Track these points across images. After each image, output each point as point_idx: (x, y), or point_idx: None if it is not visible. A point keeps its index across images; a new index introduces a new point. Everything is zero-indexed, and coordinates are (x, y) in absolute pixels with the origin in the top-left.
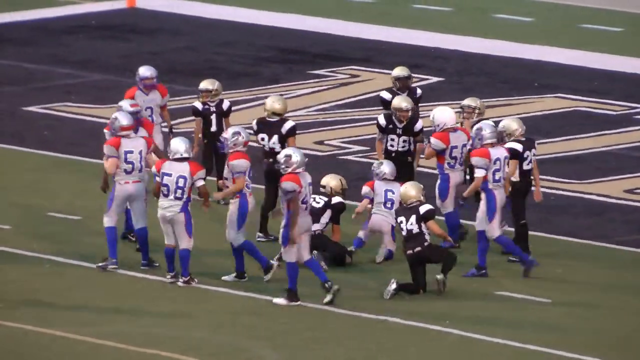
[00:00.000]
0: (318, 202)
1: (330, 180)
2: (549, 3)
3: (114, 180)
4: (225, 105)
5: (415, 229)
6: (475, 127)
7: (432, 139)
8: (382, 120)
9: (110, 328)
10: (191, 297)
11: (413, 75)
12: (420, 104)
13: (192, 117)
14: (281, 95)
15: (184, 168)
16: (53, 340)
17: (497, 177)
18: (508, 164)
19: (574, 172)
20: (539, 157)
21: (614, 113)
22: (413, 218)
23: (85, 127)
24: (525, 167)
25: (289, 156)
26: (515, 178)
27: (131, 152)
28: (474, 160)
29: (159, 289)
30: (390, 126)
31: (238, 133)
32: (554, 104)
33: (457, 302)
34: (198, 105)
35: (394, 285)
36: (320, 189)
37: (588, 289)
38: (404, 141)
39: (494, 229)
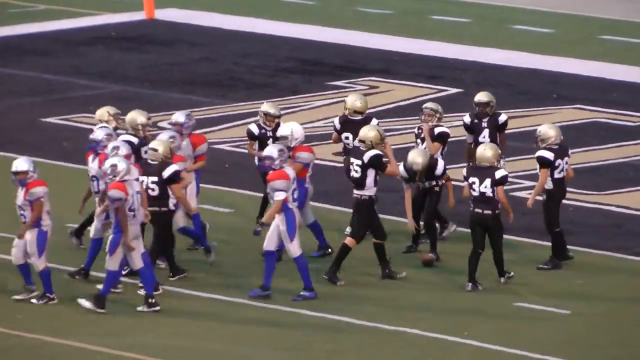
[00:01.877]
0: (356, 171)
1: (369, 132)
2: (569, 14)
3: None
4: None
5: (489, 193)
6: (277, 149)
7: (303, 154)
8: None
9: (129, 339)
10: (209, 308)
11: (432, 86)
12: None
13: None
14: (359, 95)
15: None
16: (70, 351)
17: (296, 197)
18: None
19: (593, 184)
20: None
21: (633, 124)
22: (488, 182)
23: None
24: (557, 175)
25: (114, 165)
26: (549, 186)
27: None
28: (275, 183)
29: (178, 299)
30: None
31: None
32: (573, 115)
33: (476, 313)
34: (254, 128)
35: (503, 279)
36: (360, 144)
37: (608, 300)
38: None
39: (296, 248)
